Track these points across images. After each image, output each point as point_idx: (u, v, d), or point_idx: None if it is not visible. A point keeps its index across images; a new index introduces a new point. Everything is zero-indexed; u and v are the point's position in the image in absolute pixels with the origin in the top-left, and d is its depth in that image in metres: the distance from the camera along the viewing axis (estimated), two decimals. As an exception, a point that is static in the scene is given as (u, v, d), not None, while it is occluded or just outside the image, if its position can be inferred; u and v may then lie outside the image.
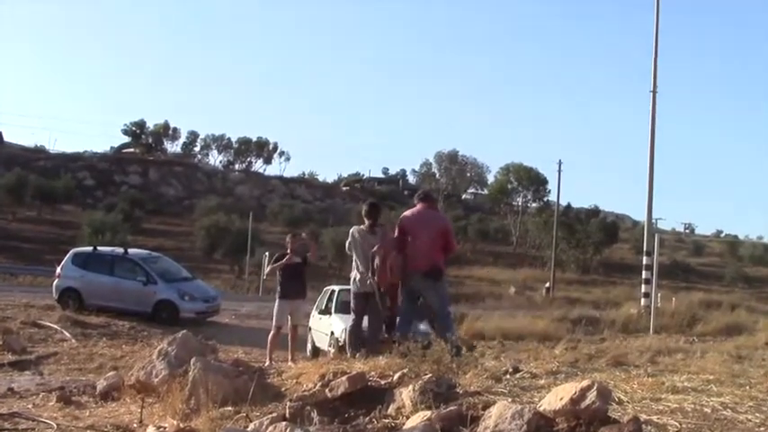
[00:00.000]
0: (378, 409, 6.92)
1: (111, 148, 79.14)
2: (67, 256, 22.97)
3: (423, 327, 11.14)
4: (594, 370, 8.51)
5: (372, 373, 7.74)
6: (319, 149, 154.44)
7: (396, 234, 10.00)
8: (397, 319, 10.09)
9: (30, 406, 10.30)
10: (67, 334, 17.42)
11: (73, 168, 67.04)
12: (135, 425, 8.98)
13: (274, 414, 7.13)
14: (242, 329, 20.66)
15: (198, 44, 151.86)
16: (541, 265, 58.30)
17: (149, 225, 54.58)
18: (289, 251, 12.88)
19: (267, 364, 11.42)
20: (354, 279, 10.13)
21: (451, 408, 6.18)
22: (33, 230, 49.63)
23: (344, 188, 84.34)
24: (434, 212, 10.39)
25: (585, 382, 5.49)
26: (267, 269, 13.60)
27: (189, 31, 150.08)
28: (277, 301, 12.95)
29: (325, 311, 17.64)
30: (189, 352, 10.37)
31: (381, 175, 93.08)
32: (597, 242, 63.50)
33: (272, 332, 12.98)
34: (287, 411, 7.15)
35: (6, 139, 73.37)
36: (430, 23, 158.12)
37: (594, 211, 75.61)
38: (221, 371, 8.95)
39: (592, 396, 5.29)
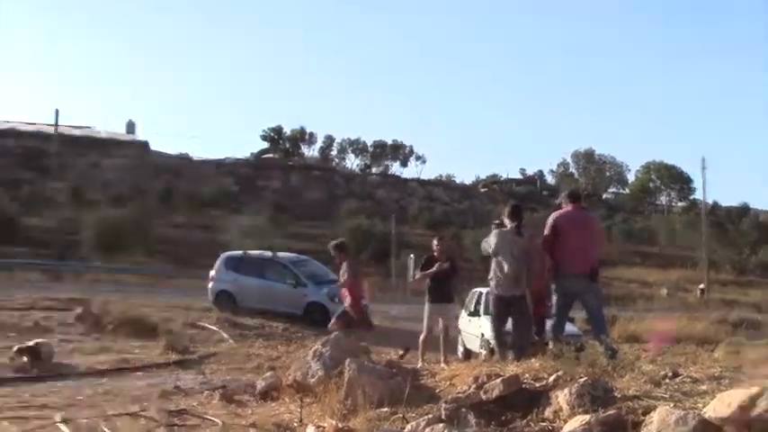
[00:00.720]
0: (534, 412, 6.90)
1: (252, 154, 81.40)
2: (219, 259, 23.81)
3: (572, 328, 11.02)
4: (764, 376, 8.15)
5: (526, 375, 7.72)
6: (455, 151, 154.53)
7: (546, 235, 9.90)
8: (548, 322, 10.03)
9: (195, 403, 10.73)
10: (226, 335, 18.05)
11: (217, 174, 69.37)
12: (295, 424, 9.23)
13: (430, 416, 7.17)
14: (392, 331, 20.82)
15: (332, 50, 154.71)
16: (692, 266, 56.29)
17: (294, 229, 55.77)
18: (436, 254, 12.95)
19: (420, 365, 11.53)
20: (498, 282, 10.07)
21: (610, 412, 6.10)
22: (184, 235, 51.58)
23: (482, 189, 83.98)
24: (586, 213, 10.24)
25: (755, 389, 5.30)
26: (417, 275, 13.66)
27: (323, 38, 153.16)
28: (426, 305, 13.02)
29: (474, 313, 17.67)
30: (343, 353, 10.59)
31: (519, 176, 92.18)
32: (753, 241, 60.72)
33: (423, 335, 13.04)
34: (443, 413, 7.19)
35: (153, 148, 76.65)
36: (562, 21, 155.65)
37: (743, 209, 72.55)
38: (375, 372, 9.10)
39: (763, 404, 5.11)
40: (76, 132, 70.80)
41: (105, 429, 8.51)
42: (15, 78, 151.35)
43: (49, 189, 44.28)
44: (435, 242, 13.18)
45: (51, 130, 45.42)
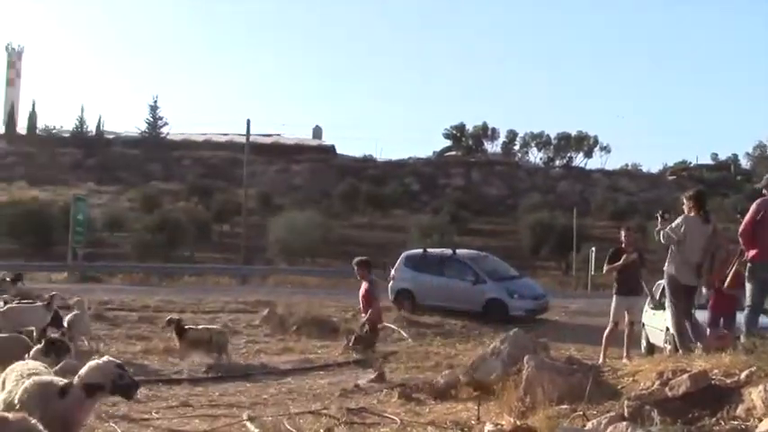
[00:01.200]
0: (724, 410, 6.49)
1: (434, 152, 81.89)
2: (400, 258, 23.99)
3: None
4: None
5: (715, 371, 7.26)
6: (641, 139, 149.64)
7: (747, 221, 9.27)
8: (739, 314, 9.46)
9: (374, 402, 10.82)
10: (404, 333, 18.17)
11: (400, 174, 70.30)
12: (473, 422, 9.11)
13: (612, 413, 6.90)
14: (572, 327, 20.31)
15: (510, 45, 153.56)
16: None
17: (475, 225, 55.65)
18: (623, 245, 12.59)
19: (601, 361, 11.16)
20: (678, 269, 9.58)
21: (813, 413, 5.65)
22: (366, 236, 52.51)
23: (670, 177, 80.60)
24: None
25: None
26: (605, 268, 13.29)
27: (504, 34, 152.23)
28: (614, 297, 12.68)
29: (659, 306, 16.93)
30: (521, 350, 10.37)
31: (710, 162, 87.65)
32: None
33: (608, 328, 12.69)
34: (625, 410, 6.89)
35: (339, 151, 78.67)
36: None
37: None
38: (555, 369, 8.84)
39: None
40: (266, 140, 73.85)
41: (289, 427, 8.67)
42: (212, 92, 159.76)
43: (239, 196, 46.27)
44: (623, 233, 12.87)
45: (243, 139, 47.44)
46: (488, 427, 8.27)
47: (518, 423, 7.78)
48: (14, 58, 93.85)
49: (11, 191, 57.49)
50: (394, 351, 16.04)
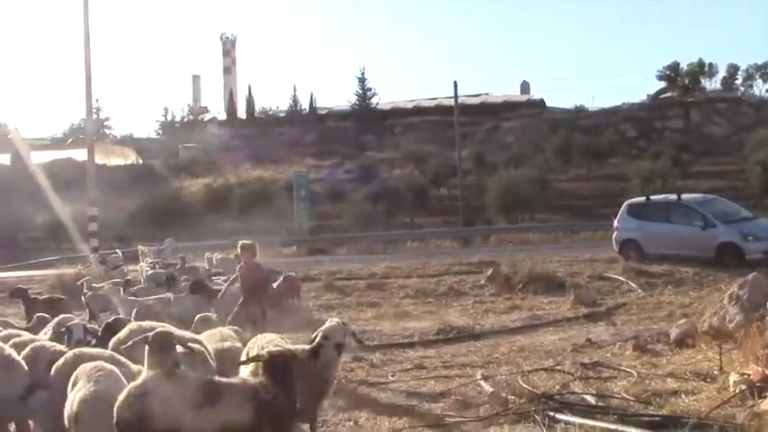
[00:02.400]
0: None
1: (648, 96, 78.59)
2: (622, 208, 23.28)
3: None
4: None
5: None
6: None
7: None
8: None
9: (608, 355, 10.65)
10: (633, 284, 17.68)
11: (614, 122, 68.09)
12: (715, 371, 8.78)
13: None
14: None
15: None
16: None
17: (698, 168, 53.07)
18: None
19: None
20: None
21: None
22: (584, 188, 51.41)
23: None
24: None
25: None
26: None
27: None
28: None
29: None
30: (762, 295, 9.87)
31: None
32: None
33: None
34: None
35: (549, 104, 77.24)
36: None
37: None
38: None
39: None
40: (475, 101, 73.78)
41: (523, 385, 8.70)
42: (417, 59, 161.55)
43: (453, 158, 46.53)
44: None
45: (451, 102, 47.61)
46: (733, 377, 7.95)
47: (766, 372, 7.42)
48: (229, 47, 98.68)
49: (237, 173, 60.72)
50: (623, 303, 15.67)
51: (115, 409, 5.45)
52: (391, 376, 10.29)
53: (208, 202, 51.34)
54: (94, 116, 48.29)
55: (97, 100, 72.20)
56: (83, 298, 15.24)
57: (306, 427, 7.09)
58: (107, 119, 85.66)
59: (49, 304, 13.53)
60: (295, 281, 17.93)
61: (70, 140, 71.85)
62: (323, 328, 6.91)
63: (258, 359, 6.24)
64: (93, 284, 15.97)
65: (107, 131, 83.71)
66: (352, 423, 7.98)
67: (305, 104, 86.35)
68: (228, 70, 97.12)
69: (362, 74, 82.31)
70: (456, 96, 45.25)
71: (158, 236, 37.17)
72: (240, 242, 12.85)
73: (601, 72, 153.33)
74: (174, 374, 5.78)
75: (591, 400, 7.96)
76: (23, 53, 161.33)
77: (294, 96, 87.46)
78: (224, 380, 5.98)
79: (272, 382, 5.79)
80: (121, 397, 5.51)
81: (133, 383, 5.66)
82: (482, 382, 9.20)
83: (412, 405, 8.48)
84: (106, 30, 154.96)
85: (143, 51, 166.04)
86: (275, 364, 5.94)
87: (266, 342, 6.85)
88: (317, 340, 6.76)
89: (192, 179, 60.22)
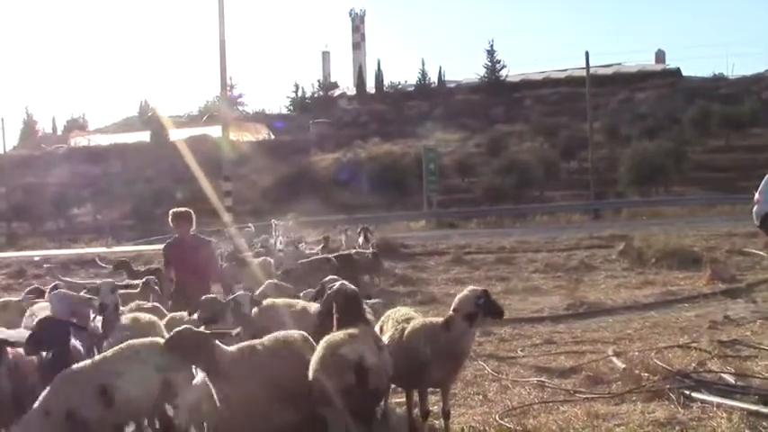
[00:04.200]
0: None
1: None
2: (764, 180, 22.20)
3: None
4: None
5: None
6: None
7: None
8: None
9: (748, 333, 10.24)
10: (775, 260, 16.97)
11: (756, 90, 65.25)
12: None
13: None
14: None
15: None
16: None
17: None
18: None
19: None
20: None
21: None
22: (722, 159, 49.52)
23: None
24: None
25: None
26: None
27: None
28: None
29: None
30: None
31: None
32: None
33: None
34: None
35: (685, 73, 74.67)
36: None
37: None
38: None
39: None
40: (607, 71, 72.10)
41: (657, 362, 8.47)
42: (547, 29, 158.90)
43: (584, 130, 45.62)
44: None
45: (583, 72, 46.64)
46: None
47: None
48: (358, 23, 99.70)
49: (368, 147, 61.34)
50: (765, 279, 15.01)
51: (334, 374, 5.50)
52: (520, 351, 10.20)
53: (338, 177, 52.13)
54: (228, 93, 49.63)
55: (231, 77, 74.04)
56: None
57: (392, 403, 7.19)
58: (240, 95, 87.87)
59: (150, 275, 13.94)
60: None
61: (205, 117, 74.16)
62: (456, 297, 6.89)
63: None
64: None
65: (240, 108, 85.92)
66: (481, 397, 7.96)
67: (433, 78, 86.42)
68: (357, 45, 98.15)
69: (491, 46, 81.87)
70: (588, 67, 44.22)
71: (290, 210, 38.05)
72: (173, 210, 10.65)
73: (741, 38, 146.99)
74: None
75: (729, 379, 7.67)
76: (162, 34, 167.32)
77: (422, 70, 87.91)
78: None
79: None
80: (341, 360, 5.54)
81: (345, 346, 5.65)
82: (614, 359, 9.01)
83: (541, 380, 8.39)
84: (240, 8, 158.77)
85: (274, 29, 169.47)
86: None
87: (400, 315, 6.90)
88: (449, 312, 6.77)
89: (323, 154, 61.20)
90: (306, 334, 6.40)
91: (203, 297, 7.72)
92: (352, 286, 6.48)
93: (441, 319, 6.47)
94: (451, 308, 6.44)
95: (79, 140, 77.76)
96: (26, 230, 43.26)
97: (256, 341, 6.18)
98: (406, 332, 6.47)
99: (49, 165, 62.23)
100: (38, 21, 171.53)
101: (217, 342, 5.69)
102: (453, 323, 6.28)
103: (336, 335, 5.82)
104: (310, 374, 5.66)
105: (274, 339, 6.23)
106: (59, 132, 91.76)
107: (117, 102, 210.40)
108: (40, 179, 57.76)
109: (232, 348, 5.87)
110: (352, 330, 5.82)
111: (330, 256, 16.63)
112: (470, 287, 6.59)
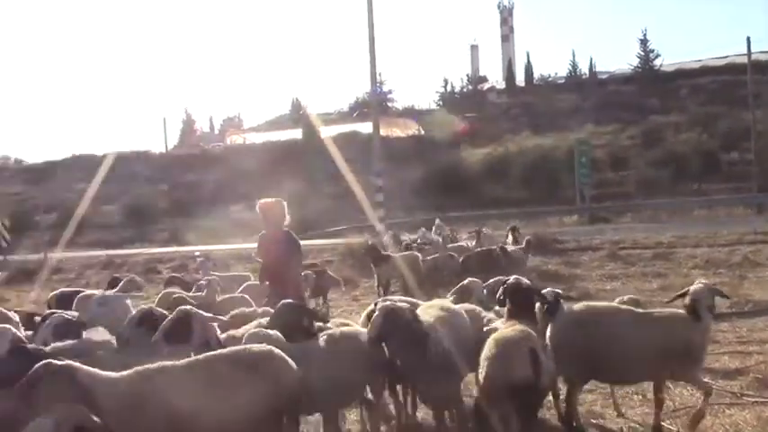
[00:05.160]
0: None
1: None
2: None
3: None
4: None
5: None
6: None
7: None
8: None
9: None
10: None
11: None
12: None
13: None
14: None
15: None
16: None
17: None
18: None
19: None
20: None
21: None
22: None
23: None
24: None
25: None
26: None
27: None
28: None
29: None
30: None
31: None
32: None
33: None
34: None
35: None
36: None
37: None
38: None
39: None
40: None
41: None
42: (704, 16, 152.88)
43: (746, 120, 43.56)
44: None
45: (744, 59, 44.54)
46: None
47: None
48: (506, 15, 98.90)
49: (517, 141, 60.70)
50: None
51: (511, 368, 5.45)
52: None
53: (488, 172, 51.82)
54: (378, 90, 50.17)
55: (380, 74, 74.84)
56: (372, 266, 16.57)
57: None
58: (390, 92, 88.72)
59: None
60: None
61: (355, 114, 75.26)
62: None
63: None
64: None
65: (389, 104, 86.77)
66: (640, 396, 7.71)
67: (584, 69, 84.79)
68: (506, 38, 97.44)
69: (644, 35, 79.48)
70: (749, 53, 42.17)
71: (439, 205, 38.16)
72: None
73: None
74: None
75: None
76: (312, 32, 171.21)
77: (573, 62, 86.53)
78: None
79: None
80: (518, 355, 5.48)
81: (521, 341, 5.61)
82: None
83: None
84: (389, 4, 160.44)
85: (423, 24, 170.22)
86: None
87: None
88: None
89: (472, 149, 60.99)
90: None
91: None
92: (527, 281, 6.44)
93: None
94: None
95: (235, 139, 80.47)
96: (187, 226, 45.05)
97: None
98: None
99: (207, 163, 64.72)
100: (196, 25, 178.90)
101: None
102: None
103: (505, 331, 5.81)
104: (482, 370, 5.63)
105: None
106: (216, 131, 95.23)
107: (269, 100, 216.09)
108: (199, 176, 60.14)
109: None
110: (519, 326, 5.76)
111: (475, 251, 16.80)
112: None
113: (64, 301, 12.41)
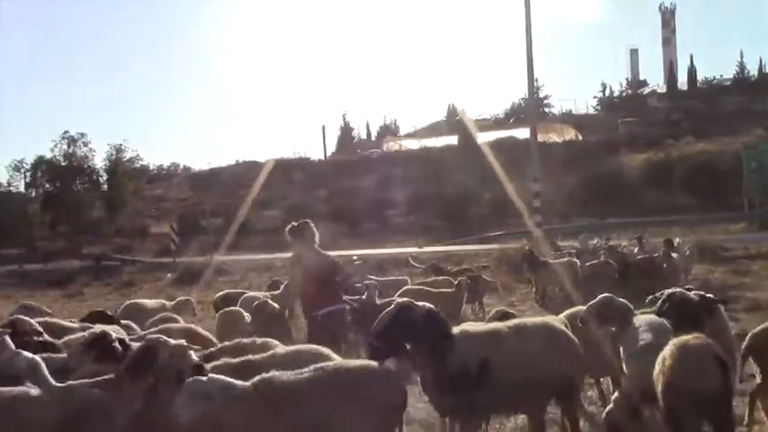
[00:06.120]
0: None
1: None
2: None
3: None
4: None
5: None
6: None
7: None
8: None
9: None
10: None
11: None
12: None
13: None
14: None
15: None
16: None
17: None
18: None
19: None
20: None
21: None
22: None
23: None
24: None
25: None
26: None
27: None
28: None
29: None
30: None
31: None
32: None
33: None
34: None
35: None
36: None
37: None
38: None
39: None
40: None
41: None
42: None
43: None
44: None
45: None
46: None
47: None
48: (668, 17, 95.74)
49: (680, 146, 58.69)
50: None
51: (700, 374, 5.20)
52: None
53: (648, 178, 50.35)
54: (535, 95, 49.69)
55: (537, 79, 74.06)
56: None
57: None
58: (546, 97, 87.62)
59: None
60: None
61: (512, 119, 74.72)
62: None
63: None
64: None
65: (546, 110, 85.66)
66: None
67: (753, 70, 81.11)
68: (668, 41, 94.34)
69: (820, 33, 75.24)
70: None
71: (597, 212, 37.36)
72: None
73: None
74: None
75: None
76: (467, 37, 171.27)
77: (740, 63, 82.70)
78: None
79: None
80: (705, 359, 5.25)
81: (703, 346, 5.39)
82: None
83: None
84: (544, 10, 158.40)
85: (581, 29, 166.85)
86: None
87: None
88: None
89: (632, 154, 59.40)
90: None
91: None
92: (687, 292, 6.22)
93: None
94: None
95: (391, 145, 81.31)
96: (345, 231, 45.92)
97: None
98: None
99: (365, 169, 65.72)
100: (355, 32, 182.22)
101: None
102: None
103: (684, 338, 5.46)
104: (665, 380, 5.30)
105: None
106: (373, 138, 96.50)
107: (425, 106, 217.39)
108: (357, 182, 61.14)
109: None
110: (695, 334, 5.51)
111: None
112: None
113: (228, 301, 13.10)
